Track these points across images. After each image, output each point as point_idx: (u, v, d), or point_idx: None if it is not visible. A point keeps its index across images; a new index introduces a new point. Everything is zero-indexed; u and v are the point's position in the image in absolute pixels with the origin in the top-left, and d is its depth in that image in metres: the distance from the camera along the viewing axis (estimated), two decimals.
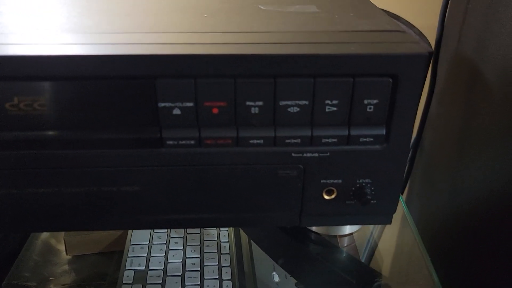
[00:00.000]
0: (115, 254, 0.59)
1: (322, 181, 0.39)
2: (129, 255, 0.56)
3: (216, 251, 0.57)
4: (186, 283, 0.52)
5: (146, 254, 0.56)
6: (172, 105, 0.35)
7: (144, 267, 0.54)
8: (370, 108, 0.36)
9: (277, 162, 0.38)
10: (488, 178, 0.54)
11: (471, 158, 0.59)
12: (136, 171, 0.37)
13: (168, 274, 0.54)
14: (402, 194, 0.83)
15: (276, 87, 0.34)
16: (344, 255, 0.49)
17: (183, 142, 0.36)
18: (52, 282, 0.55)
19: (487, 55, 0.55)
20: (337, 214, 0.40)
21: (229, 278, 0.53)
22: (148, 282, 0.53)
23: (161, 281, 0.53)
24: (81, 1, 0.45)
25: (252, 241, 0.55)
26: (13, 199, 0.37)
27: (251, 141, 0.36)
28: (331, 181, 0.39)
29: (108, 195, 0.38)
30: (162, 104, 0.35)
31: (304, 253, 0.49)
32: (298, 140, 0.37)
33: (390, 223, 0.41)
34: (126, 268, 0.54)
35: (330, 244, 0.49)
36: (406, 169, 0.80)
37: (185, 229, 0.60)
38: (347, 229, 0.49)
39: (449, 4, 0.67)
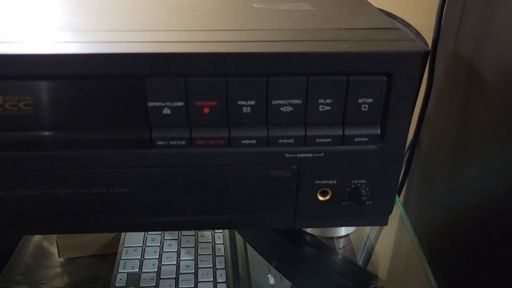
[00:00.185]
0: (109, 257, 0.58)
1: (316, 182, 0.38)
2: (122, 258, 0.55)
3: (211, 253, 0.56)
4: (180, 286, 0.52)
5: (139, 257, 0.55)
6: (162, 104, 0.34)
7: (137, 270, 0.54)
8: (364, 107, 0.35)
9: (270, 163, 0.37)
10: (487, 179, 0.53)
11: (470, 158, 0.58)
12: (125, 173, 0.36)
13: (162, 277, 0.53)
14: (399, 196, 0.82)
15: (269, 86, 0.34)
16: (339, 257, 0.48)
17: (174, 142, 0.35)
18: (44, 286, 0.54)
19: (484, 54, 0.55)
20: (332, 216, 0.40)
21: (224, 280, 0.52)
22: (141, 285, 0.52)
23: (154, 284, 0.52)
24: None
25: (247, 243, 0.55)
26: (1, 202, 0.37)
27: (243, 141, 0.36)
28: (326, 181, 0.38)
29: (98, 197, 0.37)
30: (152, 104, 0.34)
31: (298, 255, 0.48)
32: (292, 140, 0.36)
33: (386, 224, 0.41)
34: (119, 271, 0.53)
35: (325, 246, 0.49)
36: (403, 170, 0.80)
37: (180, 232, 0.59)
38: (343, 230, 0.48)
39: (446, 4, 0.66)
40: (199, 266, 0.54)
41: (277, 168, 0.37)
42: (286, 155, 0.37)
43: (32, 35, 0.34)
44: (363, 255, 0.50)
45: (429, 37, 0.70)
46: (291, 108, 0.35)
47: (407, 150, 0.78)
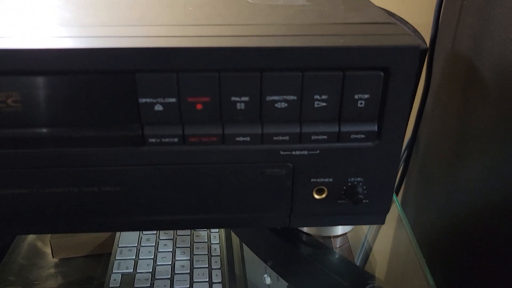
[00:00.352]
0: (103, 257, 0.57)
1: (312, 180, 0.37)
2: (116, 258, 0.54)
3: (207, 253, 0.55)
4: (175, 286, 0.51)
5: (134, 257, 0.55)
6: (154, 101, 0.33)
7: (132, 270, 0.53)
8: (361, 103, 0.34)
9: (265, 161, 0.36)
10: (486, 178, 0.53)
11: (468, 157, 0.58)
12: (117, 171, 0.36)
13: (157, 277, 0.52)
14: (397, 195, 0.82)
15: (263, 81, 0.33)
16: (336, 256, 0.47)
17: (166, 140, 0.35)
18: (37, 286, 0.53)
19: (482, 52, 0.54)
20: (328, 214, 0.39)
21: (220, 280, 0.52)
22: (136, 285, 0.51)
23: (149, 285, 0.51)
24: None
25: (243, 243, 0.54)
26: None
27: (237, 139, 0.35)
28: (322, 179, 0.37)
29: (89, 196, 0.37)
30: (143, 100, 0.33)
31: (294, 254, 0.48)
32: (287, 137, 0.35)
33: (383, 223, 0.40)
34: (113, 272, 0.53)
35: (322, 245, 0.48)
36: (401, 169, 0.79)
37: (175, 231, 0.58)
38: (340, 229, 0.48)
39: (443, 2, 0.66)
40: (195, 266, 0.53)
41: (272, 166, 0.36)
42: (281, 152, 0.36)
43: (20, 30, 0.34)
44: (361, 255, 0.49)
45: (427, 36, 0.69)
46: (286, 104, 0.34)
47: (405, 149, 0.78)
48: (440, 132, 0.69)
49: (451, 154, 0.63)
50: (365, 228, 0.52)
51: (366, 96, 0.34)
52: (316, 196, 0.38)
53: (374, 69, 0.33)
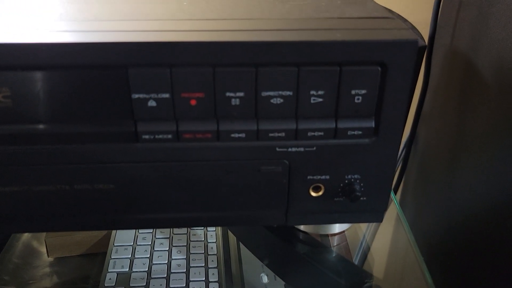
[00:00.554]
0: (99, 256, 0.57)
1: (308, 177, 0.37)
2: (112, 257, 0.54)
3: (203, 252, 0.55)
4: (171, 285, 0.50)
5: (130, 256, 0.54)
6: (147, 96, 0.32)
7: (127, 269, 0.52)
8: (358, 99, 0.34)
9: (261, 157, 0.35)
10: (485, 177, 0.52)
11: (467, 156, 0.57)
12: (110, 168, 0.35)
13: (153, 276, 0.52)
14: (396, 194, 0.81)
15: (258, 76, 0.32)
16: (333, 255, 0.47)
17: (160, 136, 0.34)
18: (32, 286, 0.53)
19: (481, 49, 0.54)
20: (325, 212, 0.38)
21: (216, 280, 0.51)
22: (131, 284, 0.51)
23: (145, 284, 0.50)
24: None
25: (240, 242, 0.54)
26: None
27: (232, 135, 0.34)
28: (318, 177, 0.37)
29: (82, 194, 0.36)
30: (136, 96, 0.32)
31: (291, 253, 0.47)
32: (282, 134, 0.35)
33: (381, 221, 0.39)
34: (109, 271, 0.52)
35: (319, 243, 0.47)
36: (399, 167, 0.79)
37: (171, 230, 0.58)
38: (337, 227, 0.47)
39: None
40: (191, 265, 0.53)
41: (268, 163, 0.36)
42: (277, 149, 0.35)
43: (9, 24, 0.33)
44: (359, 254, 0.49)
45: (425, 33, 0.69)
46: (281, 100, 0.33)
47: (404, 147, 0.77)
48: (439, 130, 0.68)
49: (450, 152, 0.63)
50: (362, 226, 0.51)
51: (363, 91, 0.33)
52: (313, 194, 0.37)
53: (371, 64, 0.32)
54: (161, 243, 0.56)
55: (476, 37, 0.56)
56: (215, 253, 0.55)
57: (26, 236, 0.60)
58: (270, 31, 0.33)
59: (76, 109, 0.33)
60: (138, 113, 0.33)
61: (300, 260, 0.46)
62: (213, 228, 0.58)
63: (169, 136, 0.34)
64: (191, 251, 0.55)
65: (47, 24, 0.33)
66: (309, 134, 0.35)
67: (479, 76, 0.55)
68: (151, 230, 0.58)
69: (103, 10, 0.37)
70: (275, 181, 0.37)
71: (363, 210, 0.39)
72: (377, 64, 0.32)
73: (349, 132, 0.35)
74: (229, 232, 0.56)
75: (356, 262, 0.47)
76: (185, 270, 0.52)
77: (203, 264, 0.53)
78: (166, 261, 0.53)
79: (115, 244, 0.56)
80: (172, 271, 0.52)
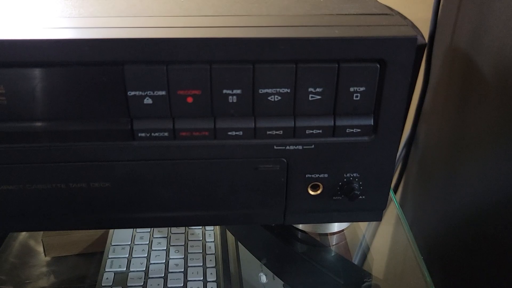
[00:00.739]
0: (96, 256, 0.56)
1: (306, 175, 0.36)
2: (109, 256, 0.53)
3: (201, 251, 0.54)
4: (168, 285, 0.50)
5: (127, 255, 0.54)
6: (143, 93, 0.32)
7: (124, 269, 0.52)
8: (356, 96, 0.33)
9: (258, 156, 0.35)
10: (485, 176, 0.52)
11: (468, 155, 0.57)
12: (106, 166, 0.35)
13: (150, 276, 0.51)
14: (396, 193, 0.81)
15: (255, 73, 0.32)
16: (332, 254, 0.46)
17: (156, 134, 0.34)
18: (28, 285, 0.53)
19: (482, 47, 0.54)
20: (323, 211, 0.38)
21: (214, 279, 0.51)
22: (128, 284, 0.50)
23: (142, 283, 0.50)
24: None
25: (238, 241, 0.53)
26: None
27: (230, 133, 0.34)
28: (317, 175, 0.36)
29: (78, 193, 0.36)
30: (132, 93, 0.32)
31: (289, 252, 0.47)
32: (280, 132, 0.34)
33: (380, 220, 0.39)
34: (106, 270, 0.52)
35: (317, 243, 0.47)
36: (399, 167, 0.78)
37: (169, 229, 0.57)
38: (336, 226, 0.47)
39: None
40: (189, 264, 0.52)
41: (266, 161, 0.35)
42: (275, 147, 0.35)
43: (3, 21, 0.33)
44: (359, 253, 0.48)
45: (425, 31, 0.68)
46: (279, 97, 0.33)
47: (404, 146, 0.77)
48: (439, 129, 0.68)
49: (450, 151, 0.63)
50: (362, 225, 0.51)
51: (362, 89, 0.33)
52: (311, 192, 0.37)
53: (370, 61, 0.32)
54: (159, 243, 0.55)
55: (476, 35, 0.56)
56: (213, 252, 0.54)
57: (23, 235, 0.59)
58: (268, 27, 0.33)
59: (72, 107, 0.32)
60: (134, 110, 0.33)
61: (299, 259, 0.46)
62: (211, 227, 0.58)
63: (166, 134, 0.34)
64: (189, 251, 0.54)
65: (42, 21, 0.33)
66: (307, 132, 0.34)
67: (479, 74, 0.54)
68: (148, 230, 0.57)
69: (99, 6, 0.37)
70: (273, 180, 0.36)
71: (362, 209, 0.38)
72: (376, 61, 0.32)
73: (348, 130, 0.34)
74: (228, 232, 0.56)
75: (355, 262, 0.47)
76: (183, 270, 0.52)
77: (201, 264, 0.53)
78: (164, 261, 0.53)
79: (112, 244, 0.55)
80: (170, 270, 0.52)
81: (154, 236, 0.57)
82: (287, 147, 0.35)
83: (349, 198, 0.36)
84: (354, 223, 0.50)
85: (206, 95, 0.32)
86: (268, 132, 0.34)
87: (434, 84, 0.70)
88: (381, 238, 0.53)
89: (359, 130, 0.34)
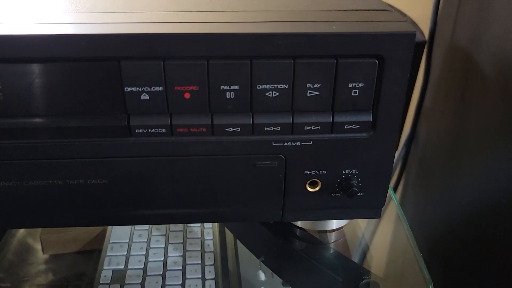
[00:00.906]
0: (94, 253, 0.56)
1: (305, 172, 0.36)
2: (107, 254, 0.53)
3: (200, 249, 0.54)
4: (166, 283, 0.50)
5: (125, 253, 0.53)
6: (140, 89, 0.32)
7: (123, 267, 0.52)
8: (355, 92, 0.33)
9: (256, 152, 0.35)
10: (486, 175, 0.52)
11: (468, 153, 0.57)
12: (103, 163, 0.34)
13: (148, 274, 0.51)
14: (396, 192, 0.81)
15: (253, 69, 0.32)
16: (331, 251, 0.46)
17: (153, 130, 0.33)
18: (26, 283, 0.52)
19: (482, 44, 0.53)
20: (322, 208, 0.38)
21: (213, 277, 0.50)
22: (126, 282, 0.50)
23: (140, 281, 0.50)
24: None
25: (237, 239, 0.53)
26: None
27: (227, 129, 0.34)
28: (315, 172, 0.36)
29: (75, 189, 0.36)
30: (129, 89, 0.32)
31: (288, 250, 0.47)
32: (278, 128, 0.34)
33: (378, 217, 0.39)
34: (104, 268, 0.51)
35: (316, 240, 0.47)
36: (400, 165, 0.78)
37: (167, 227, 0.57)
38: (335, 223, 0.47)
39: None
40: (187, 262, 0.52)
41: (264, 158, 0.35)
42: (273, 143, 0.35)
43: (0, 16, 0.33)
44: (358, 252, 0.48)
45: (425, 29, 0.68)
46: (277, 93, 0.33)
47: (404, 145, 0.77)
48: (439, 128, 0.68)
49: (450, 150, 0.62)
50: (361, 222, 0.51)
51: (360, 84, 0.33)
52: (310, 189, 0.37)
53: (368, 57, 0.32)
54: (157, 240, 0.55)
55: (476, 32, 0.56)
56: (212, 250, 0.54)
57: (21, 233, 0.59)
58: (265, 22, 0.32)
59: (68, 103, 0.32)
60: (131, 106, 0.32)
61: (297, 257, 0.45)
62: (210, 225, 0.58)
63: (163, 130, 0.33)
64: (188, 248, 0.54)
65: (39, 16, 0.33)
66: (306, 128, 0.34)
67: (480, 72, 0.54)
68: (147, 227, 0.57)
69: (95, 2, 0.37)
70: (271, 176, 0.36)
71: (361, 206, 0.38)
72: (374, 57, 0.32)
73: (346, 126, 0.34)
74: (226, 230, 0.56)
75: (355, 260, 0.47)
76: (181, 268, 0.52)
77: (200, 262, 0.52)
78: (162, 258, 0.53)
79: (110, 241, 0.55)
80: (168, 268, 0.52)
81: (153, 234, 0.56)
82: (285, 144, 0.35)
83: (347, 195, 0.36)
84: (353, 220, 0.50)
85: (203, 91, 0.32)
86: (266, 128, 0.34)
87: (434, 82, 0.70)
88: (380, 236, 0.53)
89: (357, 126, 0.34)
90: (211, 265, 0.52)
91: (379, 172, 0.36)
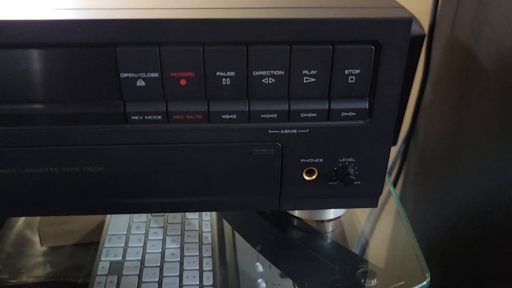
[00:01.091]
0: (92, 246, 0.56)
1: (301, 160, 0.36)
2: (105, 246, 0.53)
3: (197, 241, 0.54)
4: (164, 274, 0.50)
5: (123, 245, 0.53)
6: (135, 75, 0.32)
7: (120, 258, 0.52)
8: (351, 79, 0.33)
9: (252, 140, 0.35)
10: (486, 171, 0.52)
11: (468, 149, 0.56)
12: (99, 150, 0.34)
13: (146, 265, 0.51)
14: (395, 187, 0.81)
15: (249, 55, 0.32)
16: (328, 241, 0.46)
17: (149, 117, 0.33)
18: (24, 275, 0.52)
19: (481, 39, 0.53)
20: (318, 197, 0.38)
21: (210, 269, 0.50)
22: (124, 273, 0.50)
23: (138, 272, 0.50)
24: None
25: (235, 230, 0.53)
26: None
27: (223, 116, 0.34)
28: (312, 160, 0.36)
29: (72, 177, 0.35)
30: (125, 75, 0.32)
31: (285, 239, 0.47)
32: (275, 115, 0.34)
33: (375, 206, 0.39)
34: (102, 259, 0.51)
35: (313, 230, 0.47)
36: (399, 160, 0.78)
37: (166, 219, 0.57)
38: (332, 213, 0.47)
39: None
40: (185, 254, 0.52)
41: (260, 145, 0.35)
42: (269, 131, 0.35)
43: None
44: (355, 242, 0.48)
45: (425, 24, 0.68)
46: (273, 80, 0.33)
47: (403, 141, 0.77)
48: (439, 123, 0.67)
49: (450, 146, 0.62)
50: (358, 212, 0.51)
51: (357, 71, 0.33)
52: (306, 177, 0.37)
53: (365, 43, 0.32)
54: (155, 232, 0.55)
55: (476, 27, 0.55)
56: (210, 242, 0.54)
57: (19, 225, 0.59)
58: (261, 8, 0.32)
59: (63, 89, 0.32)
60: (127, 93, 0.32)
61: (295, 246, 0.45)
62: (208, 217, 0.57)
63: (159, 117, 0.33)
64: (186, 240, 0.54)
65: (34, 1, 0.33)
66: (302, 115, 0.34)
67: (479, 67, 0.54)
68: (145, 219, 0.57)
69: None
70: (267, 164, 0.36)
71: (358, 195, 0.38)
72: (371, 43, 0.32)
73: (343, 114, 0.34)
74: (224, 221, 0.56)
75: (352, 249, 0.47)
76: (179, 259, 0.52)
77: (197, 253, 0.52)
78: (160, 250, 0.53)
79: (108, 233, 0.55)
80: (166, 260, 0.51)
81: (151, 225, 0.56)
82: (282, 131, 0.35)
83: (344, 183, 0.36)
84: (351, 210, 0.50)
85: (199, 77, 0.32)
86: (262, 116, 0.34)
87: (434, 77, 0.69)
88: (378, 228, 0.52)
89: (354, 113, 0.34)
90: (209, 257, 0.52)
91: (376, 161, 0.36)
